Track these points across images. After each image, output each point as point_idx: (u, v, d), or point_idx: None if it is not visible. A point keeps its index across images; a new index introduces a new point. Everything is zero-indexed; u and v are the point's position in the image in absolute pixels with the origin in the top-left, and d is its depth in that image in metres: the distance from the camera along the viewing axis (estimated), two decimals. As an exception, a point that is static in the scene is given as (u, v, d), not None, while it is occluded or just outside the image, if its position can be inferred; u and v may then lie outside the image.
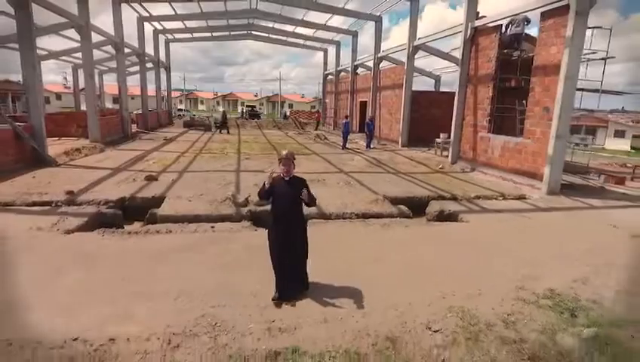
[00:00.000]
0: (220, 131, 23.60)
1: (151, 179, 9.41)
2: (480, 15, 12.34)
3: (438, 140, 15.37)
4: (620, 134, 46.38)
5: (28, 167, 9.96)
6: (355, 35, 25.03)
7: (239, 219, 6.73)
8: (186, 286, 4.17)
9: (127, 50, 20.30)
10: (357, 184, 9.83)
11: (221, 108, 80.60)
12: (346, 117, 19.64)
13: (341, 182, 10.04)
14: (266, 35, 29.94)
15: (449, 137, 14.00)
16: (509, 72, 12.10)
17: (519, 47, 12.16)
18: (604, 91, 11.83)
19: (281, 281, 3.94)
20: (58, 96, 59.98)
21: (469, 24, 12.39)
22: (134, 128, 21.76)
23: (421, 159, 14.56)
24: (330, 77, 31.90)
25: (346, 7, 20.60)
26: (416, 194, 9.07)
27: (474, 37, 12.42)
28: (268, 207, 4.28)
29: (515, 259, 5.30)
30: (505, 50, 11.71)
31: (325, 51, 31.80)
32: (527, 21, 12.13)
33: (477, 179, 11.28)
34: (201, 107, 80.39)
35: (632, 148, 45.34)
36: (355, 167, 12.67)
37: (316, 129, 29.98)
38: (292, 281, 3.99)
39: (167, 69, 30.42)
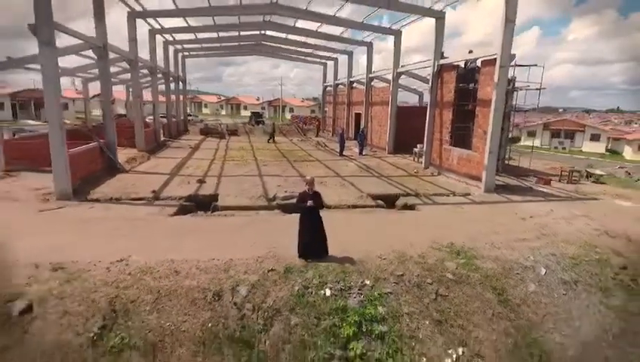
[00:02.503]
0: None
1: (201, 182, 13.05)
2: (444, 55, 16.06)
3: (415, 149, 19.08)
4: (595, 138, 50.16)
5: (108, 174, 13.55)
6: (350, 54, 28.72)
7: (272, 209, 10.40)
8: (253, 240, 7.81)
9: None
10: (349, 185, 13.50)
11: (224, 112, 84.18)
12: (342, 129, 23.34)
13: (338, 184, 13.72)
14: (271, 52, 33.61)
15: (424, 147, 17.69)
16: (467, 99, 15.77)
17: (474, 79, 15.83)
18: (533, 109, 15.68)
19: (303, 248, 7.11)
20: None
21: (436, 61, 16.10)
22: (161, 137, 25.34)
23: (402, 165, 18.27)
24: (329, 88, 35.57)
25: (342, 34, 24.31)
26: (391, 192, 12.75)
27: (440, 71, 16.13)
28: (290, 201, 7.86)
29: (440, 230, 8.96)
30: (461, 85, 15.35)
31: (325, 65, 35.45)
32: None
33: (440, 181, 14.98)
34: (205, 110, 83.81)
35: (606, 150, 49.23)
36: (348, 171, 16.36)
37: (317, 135, 33.67)
38: (313, 249, 7.06)
39: (183, 81, 34.06)
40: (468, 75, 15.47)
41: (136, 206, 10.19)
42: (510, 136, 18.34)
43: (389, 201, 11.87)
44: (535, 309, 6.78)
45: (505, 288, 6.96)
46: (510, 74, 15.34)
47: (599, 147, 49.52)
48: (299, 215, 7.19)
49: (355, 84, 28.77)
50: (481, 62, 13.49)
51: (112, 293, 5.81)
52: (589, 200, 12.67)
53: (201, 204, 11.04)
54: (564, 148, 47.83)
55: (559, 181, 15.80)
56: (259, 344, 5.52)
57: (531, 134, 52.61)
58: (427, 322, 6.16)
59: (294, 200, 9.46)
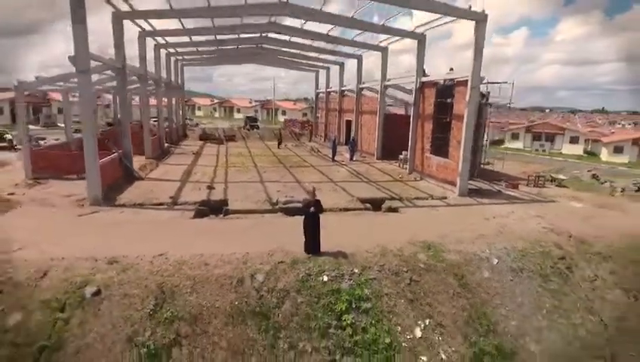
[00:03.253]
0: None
1: (210, 188, 14.71)
2: (426, 72, 17.98)
3: (401, 156, 20.98)
4: (575, 140, 52.76)
5: (127, 181, 15.10)
6: (341, 65, 30.54)
7: (275, 212, 12.13)
8: (263, 239, 9.54)
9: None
10: (341, 190, 15.29)
11: (217, 114, 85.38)
12: (335, 135, 25.13)
13: (331, 189, 15.51)
14: (267, 61, 35.30)
15: (408, 155, 19.58)
16: (445, 112, 17.67)
17: (451, 94, 17.74)
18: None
19: (308, 245, 9.08)
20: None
21: (418, 78, 18.00)
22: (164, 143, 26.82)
23: (388, 170, 20.15)
24: (321, 95, 37.35)
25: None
26: (378, 196, 14.58)
27: (422, 87, 18.04)
28: (290, 205, 9.78)
29: (417, 229, 10.80)
30: (440, 99, 17.26)
31: (317, 73, 37.20)
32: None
33: (421, 185, 16.87)
34: (198, 113, 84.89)
35: (585, 152, 51.91)
36: (340, 177, 18.16)
37: (310, 140, 35.43)
38: (314, 246, 8.97)
39: (182, 88, 35.53)
40: (446, 90, 17.32)
41: (159, 210, 11.84)
42: (492, 139, 20.28)
43: (375, 204, 13.69)
44: (487, 290, 8.67)
45: (464, 274, 8.84)
46: (484, 89, 17.39)
47: (578, 149, 52.11)
48: (303, 218, 8.94)
49: (346, 92, 30.58)
50: (456, 81, 15.42)
51: (159, 280, 7.51)
52: (547, 202, 14.68)
53: (213, 208, 12.70)
54: (544, 151, 50.35)
55: (527, 185, 17.82)
56: (273, 316, 7.29)
57: (515, 137, 55.24)
58: (402, 300, 8.00)
59: (294, 205, 11.41)
